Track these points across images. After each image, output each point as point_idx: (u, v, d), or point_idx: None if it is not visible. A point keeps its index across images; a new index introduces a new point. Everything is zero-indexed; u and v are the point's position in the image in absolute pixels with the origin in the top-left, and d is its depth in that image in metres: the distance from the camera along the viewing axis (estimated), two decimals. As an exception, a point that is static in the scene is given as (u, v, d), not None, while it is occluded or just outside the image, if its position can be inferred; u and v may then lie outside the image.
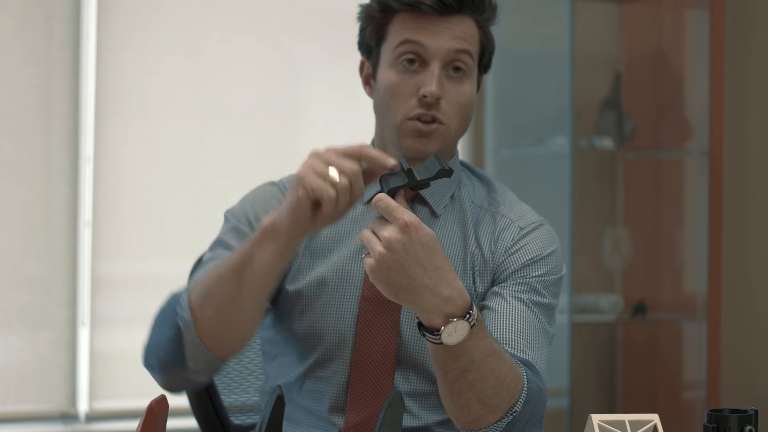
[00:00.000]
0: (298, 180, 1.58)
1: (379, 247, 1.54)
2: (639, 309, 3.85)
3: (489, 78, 3.88)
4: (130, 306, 3.45)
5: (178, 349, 1.70)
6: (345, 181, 1.57)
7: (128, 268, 3.48)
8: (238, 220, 1.88)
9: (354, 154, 1.60)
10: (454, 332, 1.57)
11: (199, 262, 1.96)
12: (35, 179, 3.35)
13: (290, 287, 1.86)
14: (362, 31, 1.92)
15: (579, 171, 3.75)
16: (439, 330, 1.57)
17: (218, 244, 1.88)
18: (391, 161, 1.60)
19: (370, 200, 1.68)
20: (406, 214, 1.53)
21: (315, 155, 1.59)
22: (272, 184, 1.95)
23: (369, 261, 1.55)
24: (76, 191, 3.39)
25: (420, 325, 1.59)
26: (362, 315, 1.82)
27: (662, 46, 3.98)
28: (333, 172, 1.57)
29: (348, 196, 1.59)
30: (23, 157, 3.34)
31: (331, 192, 1.57)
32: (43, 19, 3.36)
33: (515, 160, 3.95)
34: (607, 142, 3.79)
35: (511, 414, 1.66)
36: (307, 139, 3.67)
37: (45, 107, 3.36)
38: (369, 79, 1.93)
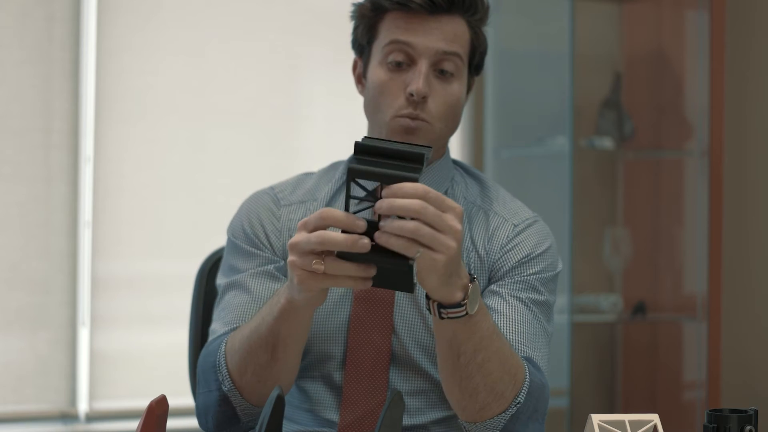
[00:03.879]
0: (297, 284, 1.52)
1: (451, 242, 1.46)
2: (639, 309, 3.85)
3: (489, 78, 3.88)
4: (130, 306, 3.45)
5: (230, 410, 1.75)
6: (322, 268, 1.47)
7: (128, 268, 3.48)
8: (236, 238, 1.90)
9: (319, 227, 1.47)
10: (474, 297, 1.56)
11: (221, 291, 1.93)
12: (35, 179, 3.35)
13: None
14: (355, 29, 1.92)
15: (579, 171, 3.75)
16: (464, 301, 1.55)
17: (230, 270, 1.89)
18: (361, 223, 1.44)
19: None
20: (454, 202, 1.48)
21: (291, 250, 1.50)
22: (266, 192, 1.95)
23: (438, 256, 1.46)
24: (76, 191, 3.39)
25: (438, 310, 1.55)
26: (354, 315, 1.82)
27: (662, 46, 3.98)
28: (316, 266, 1.47)
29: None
30: (23, 157, 3.34)
31: (320, 275, 1.49)
32: (43, 19, 3.36)
33: (515, 160, 3.94)
34: (607, 142, 3.79)
35: (515, 405, 1.66)
36: (307, 139, 3.66)
37: (45, 107, 3.36)
38: (361, 77, 1.93)
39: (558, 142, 3.75)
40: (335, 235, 1.44)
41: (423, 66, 1.81)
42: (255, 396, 1.73)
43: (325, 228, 1.46)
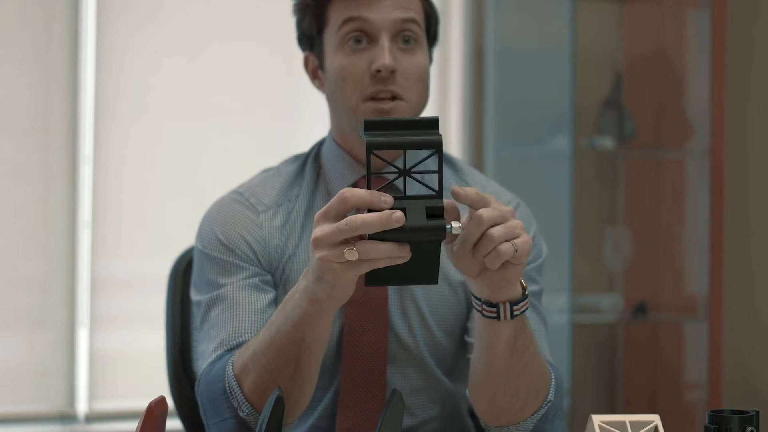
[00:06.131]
0: (330, 279, 1.42)
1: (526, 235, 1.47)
2: (640, 309, 3.84)
3: (489, 77, 3.87)
4: (129, 306, 3.44)
5: None
6: (355, 255, 1.36)
7: (127, 268, 3.47)
8: (212, 249, 1.81)
9: (343, 212, 1.38)
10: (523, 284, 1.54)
11: (203, 310, 1.81)
12: (34, 179, 3.34)
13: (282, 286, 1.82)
14: (300, 23, 1.87)
15: (579, 171, 3.74)
16: (526, 290, 1.52)
17: (209, 285, 1.79)
18: (387, 198, 1.36)
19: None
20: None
21: (318, 245, 1.39)
22: (234, 199, 1.87)
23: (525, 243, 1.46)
24: (75, 191, 3.38)
25: (511, 309, 1.52)
26: (348, 321, 1.77)
27: (663, 45, 3.97)
28: (349, 255, 1.37)
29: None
30: (22, 157, 3.34)
31: (355, 262, 1.38)
32: (42, 18, 3.35)
33: (515, 160, 3.94)
34: (607, 142, 3.78)
35: (546, 404, 1.65)
36: (307, 139, 3.64)
37: (44, 107, 3.36)
38: (317, 72, 1.87)
39: (558, 141, 3.74)
40: (366, 216, 1.34)
41: (384, 40, 1.75)
42: None
43: (348, 212, 1.37)
